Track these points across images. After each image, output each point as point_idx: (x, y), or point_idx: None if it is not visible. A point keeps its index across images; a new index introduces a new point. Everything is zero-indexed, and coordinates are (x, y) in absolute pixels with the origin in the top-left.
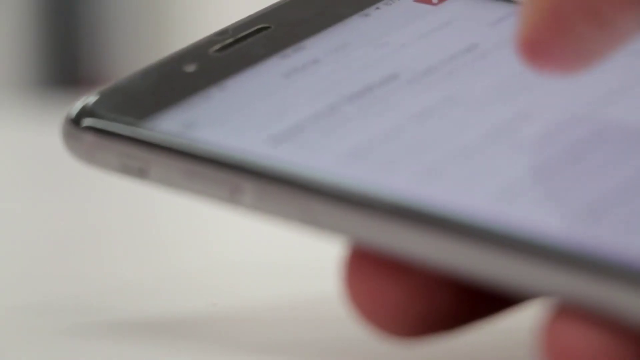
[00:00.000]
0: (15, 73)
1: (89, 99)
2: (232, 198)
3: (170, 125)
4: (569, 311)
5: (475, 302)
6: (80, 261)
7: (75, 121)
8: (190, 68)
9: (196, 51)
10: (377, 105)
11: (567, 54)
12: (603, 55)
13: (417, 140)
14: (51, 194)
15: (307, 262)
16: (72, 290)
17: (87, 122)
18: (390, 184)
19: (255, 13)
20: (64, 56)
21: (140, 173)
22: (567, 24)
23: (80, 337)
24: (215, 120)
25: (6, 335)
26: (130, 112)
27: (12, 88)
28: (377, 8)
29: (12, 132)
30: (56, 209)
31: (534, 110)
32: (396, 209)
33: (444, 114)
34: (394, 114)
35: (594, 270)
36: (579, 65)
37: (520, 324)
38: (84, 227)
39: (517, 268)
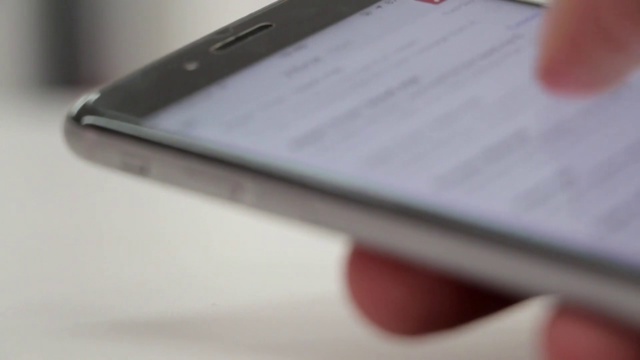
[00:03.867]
0: (15, 73)
1: (90, 96)
2: (233, 196)
3: (171, 123)
4: (570, 311)
5: (476, 301)
6: (80, 261)
7: (76, 119)
8: (191, 66)
9: (197, 49)
10: (381, 105)
11: (584, 80)
12: (620, 77)
13: (421, 140)
14: (51, 194)
15: (307, 262)
16: (72, 290)
17: (88, 120)
18: (392, 182)
19: (257, 11)
20: (64, 56)
21: (141, 171)
22: (583, 49)
23: (80, 337)
24: (216, 118)
25: (6, 335)
26: (131, 110)
27: (12, 88)
28: (379, 7)
29: (12, 132)
30: (56, 209)
31: (552, 115)
32: (398, 207)
33: (450, 115)
34: (399, 115)
35: (594, 269)
36: (596, 89)
37: (520, 324)
38: (85, 226)
39: (518, 267)
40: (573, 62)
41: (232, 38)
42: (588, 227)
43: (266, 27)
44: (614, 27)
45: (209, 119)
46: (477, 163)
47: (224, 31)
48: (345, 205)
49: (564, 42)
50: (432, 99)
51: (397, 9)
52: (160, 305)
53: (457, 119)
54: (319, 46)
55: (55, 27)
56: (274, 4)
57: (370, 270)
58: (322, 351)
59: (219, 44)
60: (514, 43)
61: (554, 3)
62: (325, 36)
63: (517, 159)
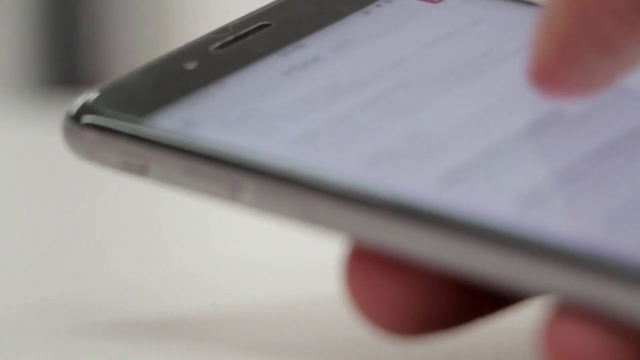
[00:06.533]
0: (15, 73)
1: (89, 96)
2: (233, 196)
3: (171, 122)
4: (570, 311)
5: (476, 300)
6: (80, 261)
7: (75, 118)
8: (191, 65)
9: (196, 48)
10: (380, 105)
11: (575, 82)
12: (612, 80)
13: (420, 139)
14: (51, 194)
15: (307, 262)
16: (72, 290)
17: (88, 119)
18: (392, 182)
19: (256, 10)
20: (64, 56)
21: (141, 170)
22: (575, 52)
23: (80, 337)
24: (216, 117)
25: (6, 335)
26: (130, 110)
27: (12, 88)
28: (378, 5)
29: (12, 132)
30: (56, 209)
31: (553, 112)
32: (397, 207)
33: (450, 115)
34: (399, 114)
35: (594, 269)
36: (588, 92)
37: (520, 324)
38: (85, 226)
39: (517, 266)
40: (563, 64)
41: (231, 37)
42: (588, 226)
43: (265, 26)
44: (605, 29)
45: (208, 118)
46: (477, 162)
47: (223, 30)
48: (345, 204)
49: (555, 45)
50: (431, 99)
51: (396, 8)
52: (160, 305)
53: (457, 118)
54: (319, 45)
55: (55, 27)
56: (273, 3)
57: (369, 270)
58: (322, 351)
59: (218, 43)
60: (512, 44)
61: (547, 4)
62: (325, 35)
63: (516, 159)
